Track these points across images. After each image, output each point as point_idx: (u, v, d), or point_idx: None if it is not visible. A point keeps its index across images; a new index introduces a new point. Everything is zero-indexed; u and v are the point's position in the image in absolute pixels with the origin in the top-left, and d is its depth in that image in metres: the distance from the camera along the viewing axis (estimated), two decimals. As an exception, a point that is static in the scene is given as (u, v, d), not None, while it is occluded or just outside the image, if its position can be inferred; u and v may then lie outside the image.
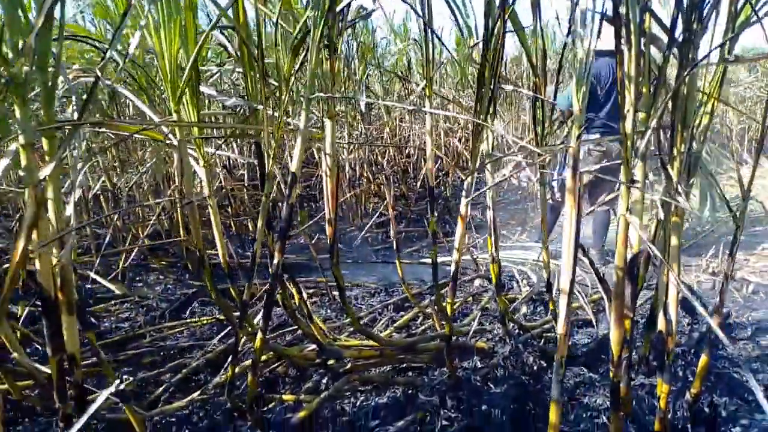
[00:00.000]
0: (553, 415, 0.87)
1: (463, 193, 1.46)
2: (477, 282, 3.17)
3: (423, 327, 2.37)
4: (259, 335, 1.34)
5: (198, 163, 1.59)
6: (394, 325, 2.35)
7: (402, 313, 2.59)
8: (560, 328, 0.87)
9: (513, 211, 5.27)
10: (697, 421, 1.60)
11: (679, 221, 1.30)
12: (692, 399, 1.56)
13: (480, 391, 1.71)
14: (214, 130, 2.54)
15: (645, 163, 1.22)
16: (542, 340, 2.16)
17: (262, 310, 1.35)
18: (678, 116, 1.23)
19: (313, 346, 1.87)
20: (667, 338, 1.32)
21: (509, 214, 5.16)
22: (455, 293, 1.56)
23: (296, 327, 2.00)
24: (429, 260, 3.18)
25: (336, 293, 3.19)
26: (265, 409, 1.73)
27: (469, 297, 2.80)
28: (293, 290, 1.93)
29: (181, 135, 1.52)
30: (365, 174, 4.56)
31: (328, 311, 2.70)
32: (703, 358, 1.51)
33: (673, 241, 1.30)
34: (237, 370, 1.62)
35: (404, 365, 2.02)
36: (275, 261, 1.29)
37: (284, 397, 1.78)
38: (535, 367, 1.95)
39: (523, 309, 2.50)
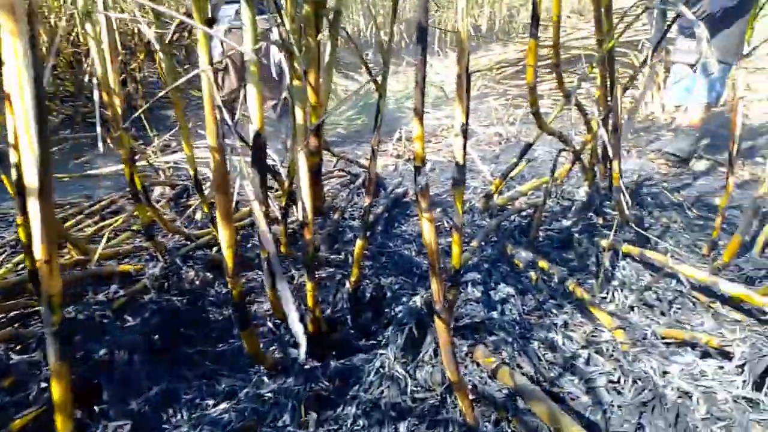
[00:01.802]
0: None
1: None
2: (158, 190, 2.70)
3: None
4: None
5: None
6: None
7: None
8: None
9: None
10: (361, 308, 1.51)
11: (304, 92, 1.05)
12: (352, 287, 1.45)
13: (107, 329, 1.33)
14: None
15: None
16: (212, 249, 1.86)
17: None
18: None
19: None
20: (303, 229, 1.11)
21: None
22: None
23: None
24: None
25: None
26: None
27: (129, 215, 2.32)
28: None
29: None
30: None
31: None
32: (359, 244, 1.38)
33: (299, 117, 1.06)
34: None
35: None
36: None
37: None
38: (197, 282, 1.65)
39: (198, 215, 2.15)
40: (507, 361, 1.16)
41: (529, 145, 2.08)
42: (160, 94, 0.92)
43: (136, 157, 3.05)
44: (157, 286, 1.58)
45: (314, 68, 1.21)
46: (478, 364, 1.13)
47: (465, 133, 1.03)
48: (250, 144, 0.99)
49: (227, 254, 0.93)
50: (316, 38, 1.13)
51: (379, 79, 1.28)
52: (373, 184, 1.36)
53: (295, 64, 1.00)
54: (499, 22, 7.12)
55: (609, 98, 2.01)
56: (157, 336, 1.42)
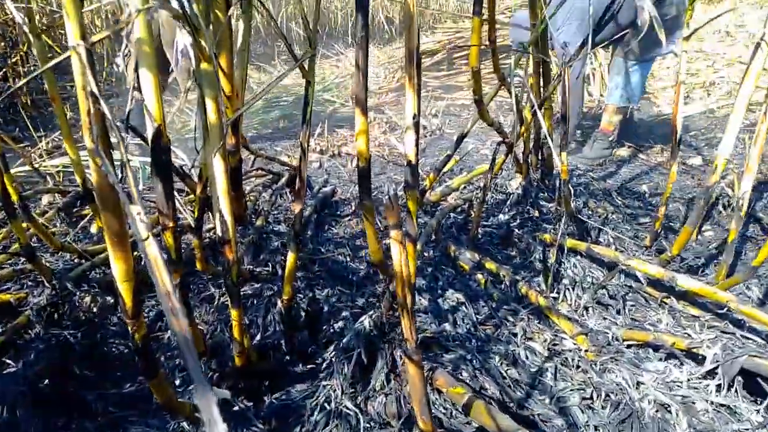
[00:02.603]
0: None
1: None
2: (46, 198, 2.34)
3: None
4: None
5: None
6: None
7: None
8: None
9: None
10: (297, 327, 1.33)
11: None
12: (284, 307, 1.26)
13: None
14: None
15: None
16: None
17: None
18: None
19: None
20: (224, 247, 0.91)
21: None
22: None
23: None
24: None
25: None
26: None
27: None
28: None
29: None
30: None
31: None
32: (290, 257, 1.19)
33: (210, 110, 0.85)
34: None
35: None
36: None
37: None
38: (95, 309, 1.39)
39: (94, 227, 1.85)
40: (469, 382, 1.02)
41: (462, 137, 1.97)
42: (23, 82, 0.68)
43: (21, 161, 2.65)
44: (45, 318, 1.31)
45: (226, 51, 1.01)
46: (440, 392, 0.99)
47: (417, 126, 0.88)
48: (150, 143, 0.78)
49: (123, 289, 0.71)
50: (226, 13, 0.93)
51: (306, 64, 1.10)
52: (303, 187, 1.18)
53: (202, 42, 0.80)
54: (414, 14, 7.05)
55: (542, 86, 1.94)
56: (46, 381, 1.17)
